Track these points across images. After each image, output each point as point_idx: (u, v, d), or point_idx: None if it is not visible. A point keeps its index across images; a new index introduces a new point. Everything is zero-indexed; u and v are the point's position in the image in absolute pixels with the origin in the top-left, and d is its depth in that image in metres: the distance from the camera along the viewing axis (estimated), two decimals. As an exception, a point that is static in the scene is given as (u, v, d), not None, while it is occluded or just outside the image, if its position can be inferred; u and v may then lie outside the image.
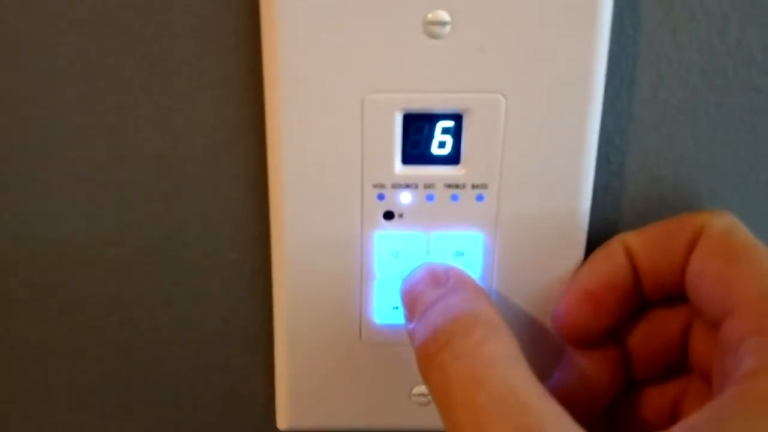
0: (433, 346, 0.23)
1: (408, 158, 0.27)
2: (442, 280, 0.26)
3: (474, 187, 0.27)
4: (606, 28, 0.25)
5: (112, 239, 0.30)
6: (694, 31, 0.28)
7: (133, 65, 0.28)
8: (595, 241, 0.29)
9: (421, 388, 0.31)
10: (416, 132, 0.27)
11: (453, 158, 0.27)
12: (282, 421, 0.31)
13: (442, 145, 0.27)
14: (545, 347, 0.29)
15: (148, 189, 0.30)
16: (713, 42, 0.28)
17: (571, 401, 0.23)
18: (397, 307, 0.29)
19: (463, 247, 0.28)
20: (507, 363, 0.22)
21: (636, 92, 0.28)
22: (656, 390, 0.29)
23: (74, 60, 0.27)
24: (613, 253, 0.27)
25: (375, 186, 0.27)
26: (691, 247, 0.26)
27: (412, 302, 0.26)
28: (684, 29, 0.27)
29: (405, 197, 0.27)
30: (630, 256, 0.27)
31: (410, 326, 0.26)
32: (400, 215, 0.28)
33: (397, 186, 0.27)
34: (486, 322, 0.24)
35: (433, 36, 0.25)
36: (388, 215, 0.28)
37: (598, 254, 0.28)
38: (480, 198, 0.27)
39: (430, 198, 0.27)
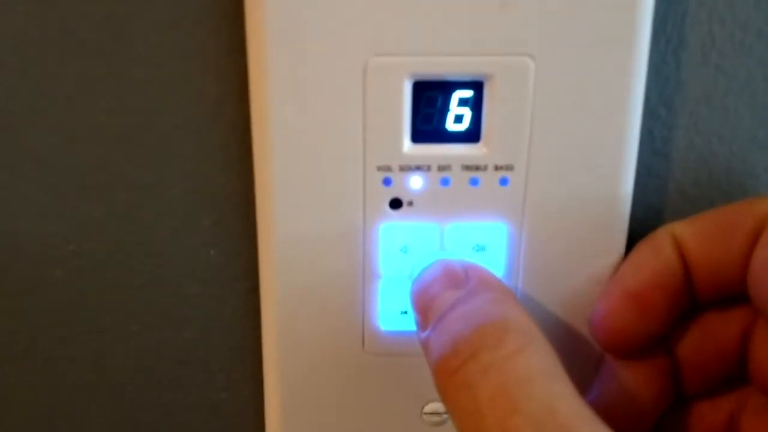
0: (455, 360, 0.21)
1: (419, 135, 0.25)
2: (460, 279, 0.24)
3: (497, 168, 0.25)
4: (651, -22, 0.24)
5: (74, 235, 0.29)
6: (751, -16, 0.26)
7: (92, 28, 0.26)
8: (637, 231, 0.27)
9: (435, 406, 0.29)
10: (428, 103, 0.25)
11: (472, 135, 0.25)
12: (273, 444, 0.30)
13: (458, 119, 0.25)
14: (581, 357, 0.27)
15: (113, 176, 0.28)
16: (774, -3, 0.26)
17: (612, 420, 0.22)
18: (406, 312, 0.27)
19: (484, 241, 0.26)
20: (546, 379, 0.21)
21: (684, 56, 0.27)
22: (709, 405, 0.27)
23: (24, 32, 0.26)
24: (661, 247, 0.25)
25: (380, 169, 0.25)
26: (754, 239, 0.24)
27: (425, 306, 0.24)
28: (738, -18, 0.26)
29: (415, 182, 0.26)
30: (680, 250, 0.25)
31: (424, 335, 0.24)
32: (410, 203, 0.26)
33: (406, 168, 0.25)
34: (518, 329, 0.22)
35: (449, -14, 0.24)
36: (396, 203, 0.26)
37: (643, 248, 0.26)
38: (504, 182, 0.26)
39: (444, 182, 0.26)
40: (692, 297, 0.25)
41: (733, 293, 0.25)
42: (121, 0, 0.25)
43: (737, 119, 0.27)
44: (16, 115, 0.27)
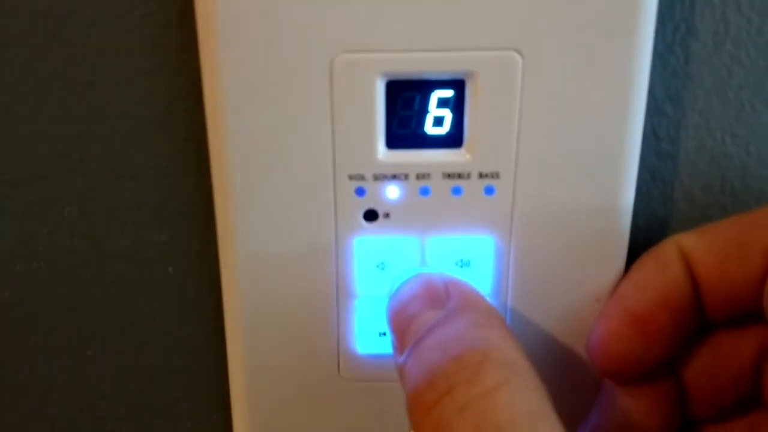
0: (430, 395, 0.20)
1: (394, 140, 0.24)
2: (440, 297, 0.23)
3: (481, 176, 0.24)
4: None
5: (21, 254, 0.28)
6: (769, -37, 0.24)
7: (29, 25, 0.24)
8: (639, 243, 0.26)
9: (418, 434, 0.27)
10: (405, 105, 0.24)
11: (453, 139, 0.24)
12: (244, 477, 0.29)
13: (438, 121, 0.24)
14: (577, 382, 0.27)
15: (58, 189, 0.27)
16: (796, -23, 0.24)
17: None
18: (385, 334, 0.26)
19: (468, 255, 0.25)
20: (530, 422, 0.19)
21: (694, 46, 0.25)
22: (718, 430, 0.26)
23: None
24: (667, 263, 0.24)
25: (352, 178, 0.24)
26: None
27: (402, 328, 0.23)
28: (755, -39, 0.24)
29: (392, 192, 0.24)
30: (689, 265, 0.24)
31: (400, 360, 0.22)
32: (386, 215, 0.25)
33: (381, 177, 0.24)
34: (499, 360, 0.20)
35: (425, -26, 0.22)
36: (371, 215, 0.25)
37: (647, 264, 0.24)
38: (489, 191, 0.24)
39: (424, 192, 0.24)
40: (701, 316, 0.24)
41: (746, 312, 0.24)
42: None
43: (754, 116, 0.26)
44: None
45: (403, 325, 0.23)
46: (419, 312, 0.23)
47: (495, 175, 0.24)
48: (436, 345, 0.21)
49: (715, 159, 0.26)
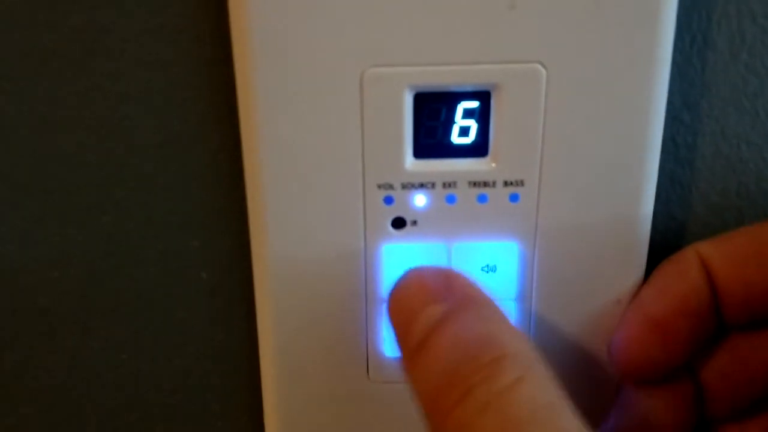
0: (448, 398, 0.19)
1: (422, 150, 0.24)
2: (440, 290, 0.22)
3: (506, 184, 0.24)
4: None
5: (57, 261, 0.28)
6: (784, -26, 0.24)
7: (66, 40, 0.24)
8: (659, 245, 0.26)
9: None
10: (431, 116, 0.24)
11: (479, 149, 0.24)
12: (274, 478, 0.29)
13: (464, 132, 0.24)
14: (597, 383, 0.26)
15: (95, 198, 0.27)
16: (809, -12, 0.24)
17: None
18: None
19: (494, 261, 0.25)
20: (551, 417, 0.19)
21: (711, 56, 0.25)
22: (735, 429, 0.26)
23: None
24: (687, 270, 0.24)
25: (380, 186, 0.24)
26: None
27: (405, 325, 0.22)
28: (770, -27, 0.24)
29: (419, 200, 0.25)
30: (708, 273, 0.24)
31: (407, 360, 0.22)
32: (414, 222, 0.25)
33: (409, 186, 0.24)
34: (515, 355, 0.20)
35: (451, -10, 0.22)
36: (399, 223, 0.25)
37: (668, 270, 0.24)
38: (514, 198, 0.24)
39: (450, 200, 0.24)
40: (719, 320, 0.24)
41: (763, 317, 0.24)
42: (97, 10, 0.24)
43: None
44: None
45: (406, 322, 0.22)
46: (421, 307, 0.22)
47: (519, 183, 0.24)
48: (449, 343, 0.20)
49: (731, 164, 0.26)
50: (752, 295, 0.23)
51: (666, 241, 0.27)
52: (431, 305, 0.22)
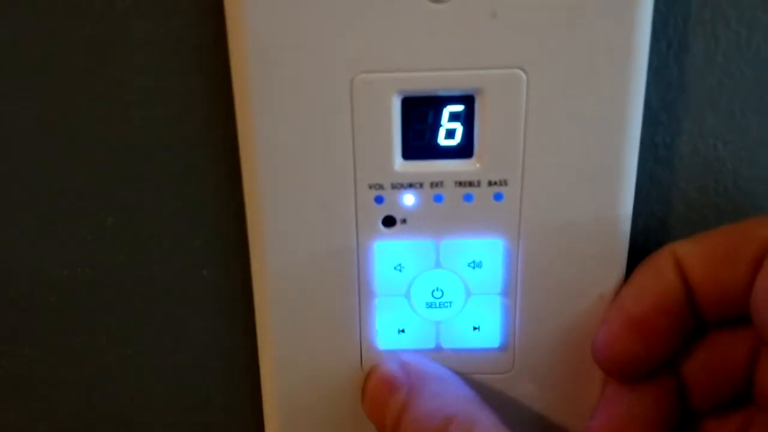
0: None
1: (410, 152, 0.25)
2: (399, 379, 0.25)
3: (491, 184, 0.25)
4: (649, -19, 0.22)
5: (68, 260, 0.28)
6: (757, -20, 0.25)
7: (77, 50, 0.25)
8: (639, 241, 0.27)
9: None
10: (419, 119, 0.24)
11: (464, 150, 0.25)
12: (274, 466, 0.29)
13: (450, 134, 0.24)
14: (582, 380, 0.27)
15: (102, 200, 0.27)
16: (781, -6, 0.25)
17: None
18: (403, 331, 0.27)
19: (480, 257, 0.26)
20: None
21: (687, 60, 0.25)
22: (717, 423, 0.26)
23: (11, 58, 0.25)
24: (663, 270, 0.24)
25: (371, 187, 0.25)
26: (757, 265, 0.23)
27: (378, 420, 0.25)
28: (744, -20, 0.25)
29: (408, 199, 0.25)
30: (683, 272, 0.24)
31: None
32: (403, 221, 0.25)
33: (398, 186, 0.25)
34: (461, 419, 0.23)
35: (435, -1, 0.22)
36: (389, 221, 0.25)
37: (645, 270, 0.25)
38: (498, 197, 0.25)
39: (438, 199, 0.25)
40: (697, 317, 0.25)
41: (738, 315, 0.24)
42: (102, 21, 0.25)
43: (744, 123, 0.26)
44: (6, 142, 0.26)
45: (378, 416, 0.25)
46: (386, 400, 0.25)
47: (503, 183, 0.24)
48: (412, 426, 0.23)
49: (708, 163, 0.26)
50: (726, 293, 0.23)
51: (647, 238, 0.27)
52: (391, 396, 0.25)
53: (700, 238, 0.24)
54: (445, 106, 0.24)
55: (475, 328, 0.26)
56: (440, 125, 0.24)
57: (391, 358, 0.26)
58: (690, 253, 0.24)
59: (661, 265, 0.24)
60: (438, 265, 0.26)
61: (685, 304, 0.24)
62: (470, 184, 0.25)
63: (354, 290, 0.26)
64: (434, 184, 0.25)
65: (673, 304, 0.24)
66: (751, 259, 0.23)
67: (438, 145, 0.24)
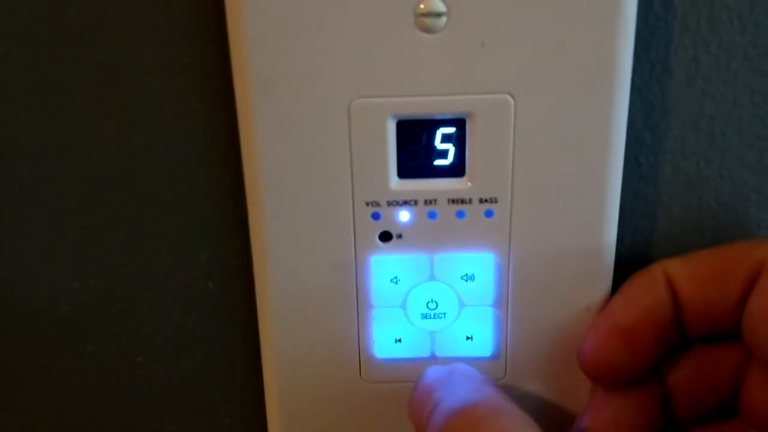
0: None
1: (405, 171, 0.25)
2: (442, 378, 0.25)
3: (482, 201, 0.25)
4: (632, 8, 0.23)
5: (79, 273, 0.29)
6: (735, 7, 0.25)
7: (85, 75, 0.26)
8: (625, 256, 0.27)
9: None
10: (413, 141, 0.25)
11: (456, 169, 0.25)
12: (276, 472, 0.30)
13: (443, 154, 0.25)
14: (569, 387, 0.27)
15: (112, 216, 0.28)
16: (759, 20, 0.25)
17: None
18: (400, 340, 0.27)
19: (472, 270, 0.26)
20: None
21: (669, 83, 0.26)
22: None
23: (21, 81, 0.26)
24: (654, 284, 0.25)
25: (368, 204, 0.26)
26: (749, 285, 0.24)
27: (419, 412, 0.25)
28: (723, 6, 0.25)
29: (403, 216, 0.26)
30: (673, 288, 0.25)
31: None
32: (399, 236, 0.26)
33: (394, 203, 0.26)
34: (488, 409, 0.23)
35: (427, 29, 0.23)
36: (385, 236, 0.26)
37: (637, 283, 0.25)
38: (489, 214, 0.26)
39: (432, 216, 0.26)
40: (681, 331, 0.25)
41: (725, 332, 0.25)
42: (112, 48, 0.25)
43: (725, 142, 0.27)
44: (19, 161, 0.27)
45: (417, 418, 0.25)
46: (423, 404, 0.24)
47: (494, 200, 0.25)
48: (440, 415, 0.23)
49: (690, 180, 0.27)
50: (712, 312, 0.24)
51: (632, 252, 0.28)
52: (434, 392, 0.24)
53: (692, 258, 0.25)
54: (437, 129, 0.25)
55: (468, 338, 0.27)
56: (434, 146, 0.25)
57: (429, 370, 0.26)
58: (681, 272, 0.24)
59: (651, 280, 0.25)
60: (432, 277, 0.26)
61: (671, 319, 0.24)
62: (462, 201, 0.25)
63: (352, 302, 0.27)
64: (428, 202, 0.25)
65: (661, 318, 0.24)
66: (742, 280, 0.23)
67: (432, 164, 0.25)
